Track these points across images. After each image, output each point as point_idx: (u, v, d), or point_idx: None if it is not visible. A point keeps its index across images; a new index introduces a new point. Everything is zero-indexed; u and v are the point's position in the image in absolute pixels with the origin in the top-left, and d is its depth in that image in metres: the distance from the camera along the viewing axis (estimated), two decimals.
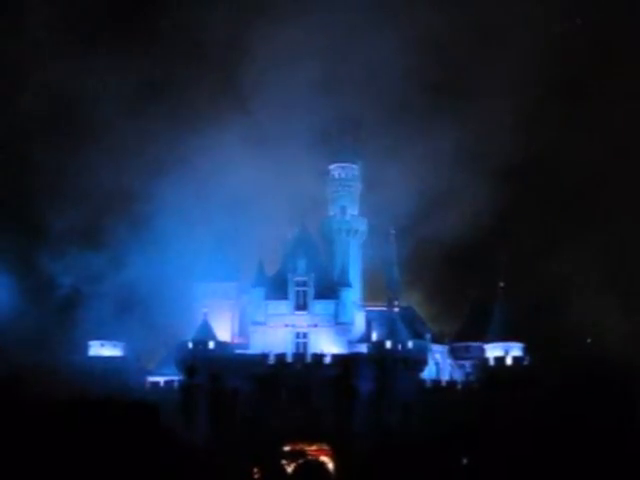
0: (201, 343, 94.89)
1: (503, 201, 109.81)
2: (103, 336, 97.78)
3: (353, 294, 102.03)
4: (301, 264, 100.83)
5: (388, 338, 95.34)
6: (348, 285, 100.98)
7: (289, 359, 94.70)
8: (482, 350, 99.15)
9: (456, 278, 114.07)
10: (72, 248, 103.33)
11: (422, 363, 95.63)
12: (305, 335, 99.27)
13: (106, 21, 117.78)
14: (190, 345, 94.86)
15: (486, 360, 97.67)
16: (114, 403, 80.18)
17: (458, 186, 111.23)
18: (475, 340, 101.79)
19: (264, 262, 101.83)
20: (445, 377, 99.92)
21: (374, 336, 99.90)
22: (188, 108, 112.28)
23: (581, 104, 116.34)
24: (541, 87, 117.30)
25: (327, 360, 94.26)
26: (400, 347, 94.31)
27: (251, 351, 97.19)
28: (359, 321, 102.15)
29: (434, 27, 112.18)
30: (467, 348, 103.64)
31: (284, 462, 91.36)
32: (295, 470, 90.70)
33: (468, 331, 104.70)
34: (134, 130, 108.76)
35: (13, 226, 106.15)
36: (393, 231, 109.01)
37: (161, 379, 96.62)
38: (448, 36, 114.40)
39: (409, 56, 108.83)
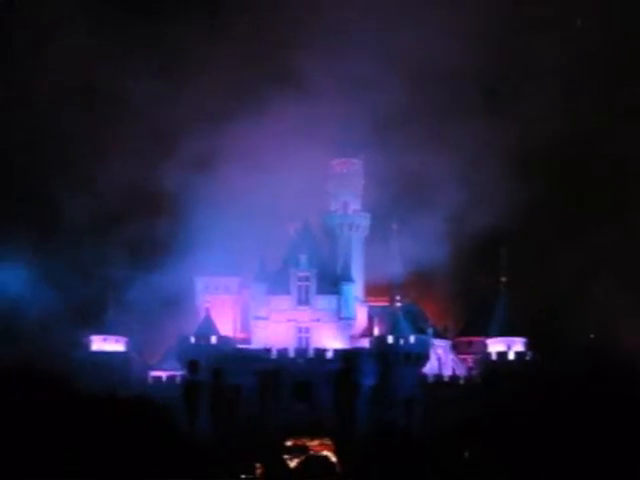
0: (203, 338, 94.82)
1: (509, 198, 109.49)
2: (105, 331, 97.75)
3: (355, 289, 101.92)
4: (303, 259, 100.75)
5: (390, 333, 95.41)
6: (350, 280, 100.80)
7: (291, 354, 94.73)
8: (484, 345, 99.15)
9: (460, 273, 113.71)
10: (84, 243, 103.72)
11: (424, 358, 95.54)
12: (307, 330, 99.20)
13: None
14: (192, 340, 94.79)
15: (488, 355, 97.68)
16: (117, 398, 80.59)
17: (470, 182, 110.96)
18: (477, 335, 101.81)
19: (266, 257, 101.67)
20: (447, 372, 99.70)
21: (376, 331, 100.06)
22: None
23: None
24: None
25: (329, 355, 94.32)
26: (402, 342, 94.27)
27: (253, 346, 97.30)
28: (361, 316, 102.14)
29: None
30: (469, 343, 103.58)
31: (286, 457, 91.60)
32: (299, 464, 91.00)
33: (470, 326, 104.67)
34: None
35: (31, 219, 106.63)
36: (395, 226, 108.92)
37: (163, 374, 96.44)
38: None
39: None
